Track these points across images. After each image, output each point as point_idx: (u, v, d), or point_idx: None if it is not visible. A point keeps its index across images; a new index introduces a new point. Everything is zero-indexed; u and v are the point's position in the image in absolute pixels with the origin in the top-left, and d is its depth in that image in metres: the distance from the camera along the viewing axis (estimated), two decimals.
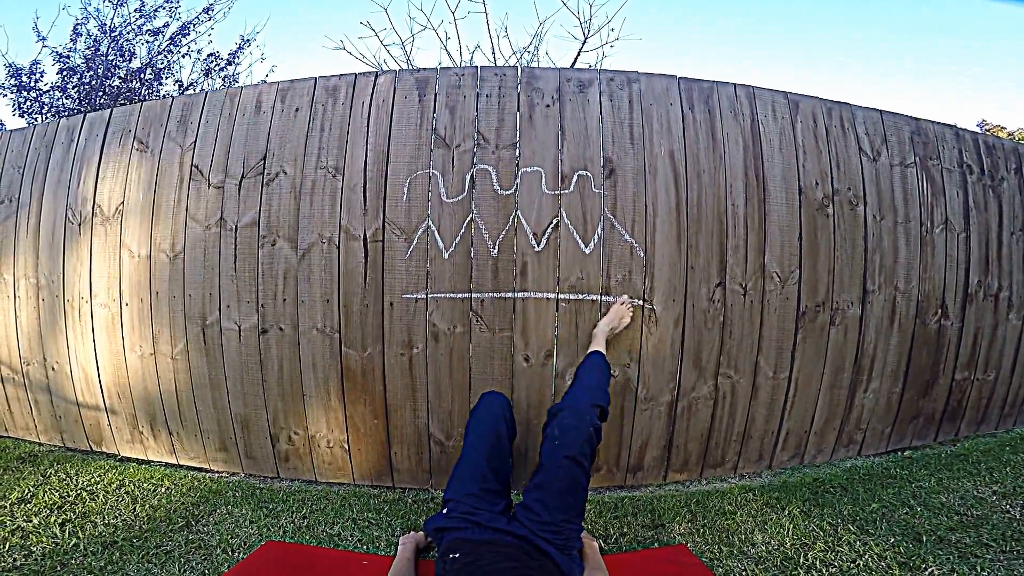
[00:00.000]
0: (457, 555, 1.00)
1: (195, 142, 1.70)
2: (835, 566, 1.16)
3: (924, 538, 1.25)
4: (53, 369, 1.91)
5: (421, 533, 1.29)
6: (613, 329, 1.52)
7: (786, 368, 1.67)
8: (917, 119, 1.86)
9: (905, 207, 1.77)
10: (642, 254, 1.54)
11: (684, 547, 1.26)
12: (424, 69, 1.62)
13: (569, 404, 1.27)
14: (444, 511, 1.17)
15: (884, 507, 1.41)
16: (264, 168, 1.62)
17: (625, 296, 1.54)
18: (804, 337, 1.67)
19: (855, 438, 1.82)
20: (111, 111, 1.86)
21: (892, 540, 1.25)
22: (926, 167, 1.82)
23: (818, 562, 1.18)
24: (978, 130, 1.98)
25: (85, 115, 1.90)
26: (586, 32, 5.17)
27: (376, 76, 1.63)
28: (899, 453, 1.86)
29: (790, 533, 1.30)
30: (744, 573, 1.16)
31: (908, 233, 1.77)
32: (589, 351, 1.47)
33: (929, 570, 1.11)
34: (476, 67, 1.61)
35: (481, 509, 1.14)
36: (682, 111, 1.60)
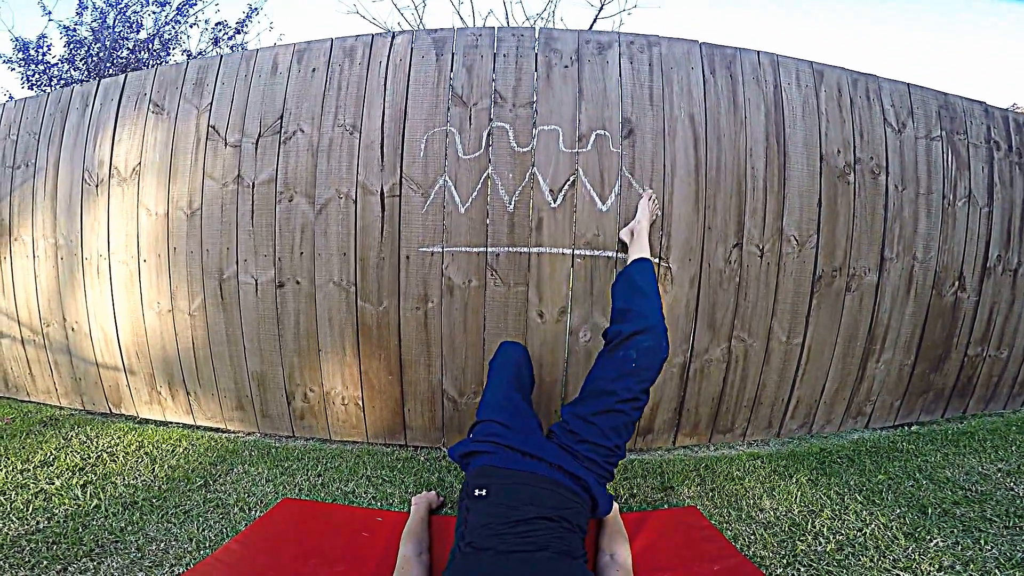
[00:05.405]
0: (484, 493, 0.93)
1: (211, 103, 1.70)
2: (842, 533, 1.17)
3: (929, 511, 1.25)
4: (72, 329, 1.94)
5: (433, 493, 1.32)
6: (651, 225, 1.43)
7: (800, 333, 1.67)
8: (946, 94, 1.81)
9: (928, 179, 1.74)
10: (659, 212, 1.53)
11: (695, 509, 1.27)
12: (441, 29, 1.60)
13: (648, 325, 1.13)
14: (471, 435, 1.14)
15: (890, 479, 1.42)
16: (281, 127, 1.62)
17: (650, 190, 1.50)
18: (819, 302, 1.66)
19: (864, 410, 1.83)
20: (125, 76, 1.86)
21: (898, 511, 1.25)
22: (952, 141, 1.78)
23: (825, 529, 1.18)
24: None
25: (99, 81, 1.90)
26: None
27: (393, 36, 1.62)
28: (906, 428, 1.86)
29: (798, 500, 1.31)
30: (753, 537, 1.17)
31: (930, 204, 1.74)
32: (637, 257, 1.32)
33: (934, 541, 1.12)
34: (493, 27, 1.59)
35: (511, 429, 1.08)
36: (703, 75, 1.57)
